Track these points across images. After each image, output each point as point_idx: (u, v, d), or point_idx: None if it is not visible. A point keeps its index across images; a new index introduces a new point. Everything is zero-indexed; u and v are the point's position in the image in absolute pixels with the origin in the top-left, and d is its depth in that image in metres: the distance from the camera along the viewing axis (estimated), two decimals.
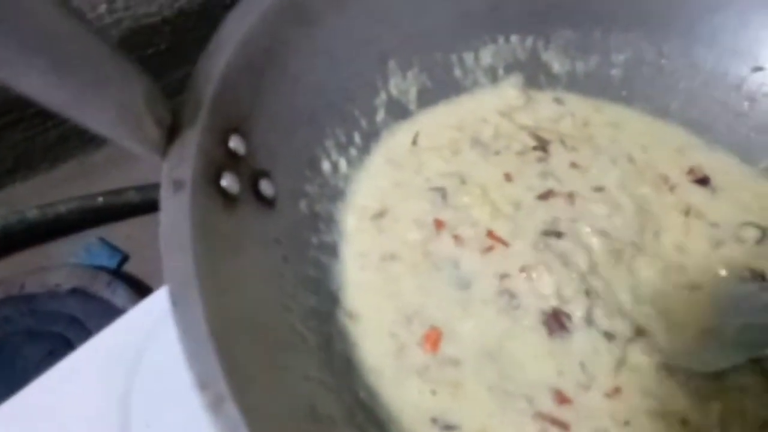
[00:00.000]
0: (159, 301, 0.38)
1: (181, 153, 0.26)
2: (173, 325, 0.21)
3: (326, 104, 0.37)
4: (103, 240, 0.51)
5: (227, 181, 0.27)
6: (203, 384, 0.20)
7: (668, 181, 0.38)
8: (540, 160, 0.39)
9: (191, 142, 0.26)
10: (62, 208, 0.49)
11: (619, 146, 0.40)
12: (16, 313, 0.44)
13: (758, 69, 0.44)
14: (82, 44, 0.21)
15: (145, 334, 0.36)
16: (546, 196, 0.37)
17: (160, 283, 0.40)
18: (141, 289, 0.47)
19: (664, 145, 0.41)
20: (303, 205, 0.33)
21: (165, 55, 0.57)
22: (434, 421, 0.29)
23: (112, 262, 0.49)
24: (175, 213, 0.24)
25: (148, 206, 0.52)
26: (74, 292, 0.45)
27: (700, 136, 0.42)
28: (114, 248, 0.51)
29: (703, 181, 0.39)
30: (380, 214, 0.35)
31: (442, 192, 0.36)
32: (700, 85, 0.44)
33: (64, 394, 0.34)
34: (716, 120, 0.44)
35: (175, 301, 0.22)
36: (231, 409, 0.20)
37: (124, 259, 0.50)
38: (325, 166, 0.36)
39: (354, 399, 0.28)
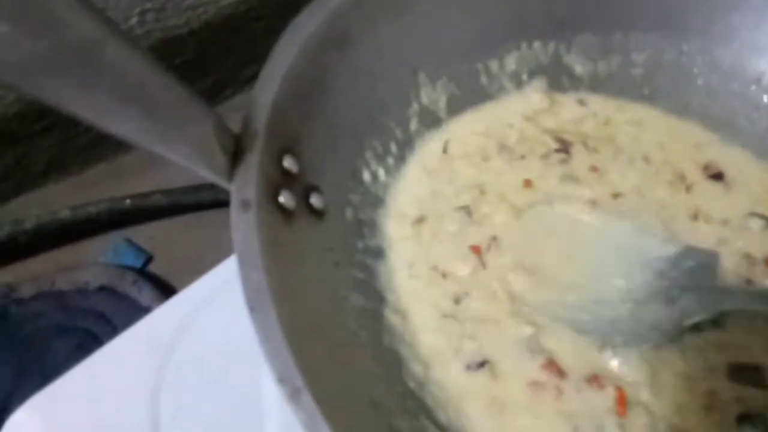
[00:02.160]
0: (185, 300, 0.41)
1: (245, 176, 0.29)
2: (252, 328, 0.25)
3: (365, 118, 0.40)
4: (129, 241, 0.54)
5: (284, 198, 0.31)
6: (282, 379, 0.24)
7: (685, 180, 0.40)
8: (562, 162, 0.42)
9: (253, 166, 0.29)
10: (92, 210, 0.52)
11: (639, 145, 0.42)
12: (47, 308, 0.47)
13: None
14: (166, 91, 0.24)
15: (174, 331, 0.38)
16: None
17: (183, 283, 0.42)
18: (165, 289, 0.50)
19: (682, 141, 0.43)
20: (349, 213, 0.37)
21: (192, 64, 0.60)
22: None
23: (137, 262, 0.52)
24: (245, 230, 0.27)
25: (174, 209, 0.55)
26: (102, 289, 0.48)
27: (718, 131, 0.44)
28: (140, 249, 0.53)
29: (717, 176, 0.41)
30: (419, 221, 0.38)
31: (467, 210, 0.39)
32: (720, 81, 0.46)
33: (95, 387, 0.36)
34: (736, 114, 0.45)
35: (253, 307, 0.25)
36: (307, 399, 0.23)
37: (149, 259, 0.53)
38: (366, 175, 0.39)
39: (404, 388, 0.32)
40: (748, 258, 0.37)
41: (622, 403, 0.31)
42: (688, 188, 0.40)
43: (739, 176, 0.41)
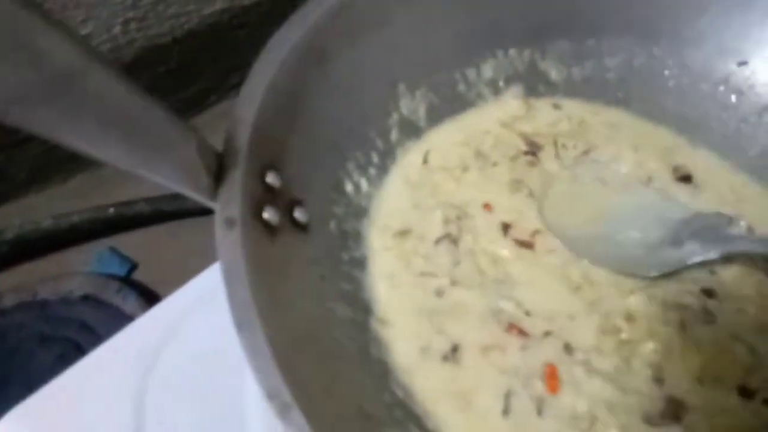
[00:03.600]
0: (170, 307, 0.41)
1: (228, 194, 0.29)
2: (239, 345, 0.25)
3: (346, 131, 0.41)
4: (113, 249, 0.54)
5: (268, 214, 0.31)
6: (271, 395, 0.24)
7: (652, 182, 0.42)
8: (531, 164, 0.43)
9: (236, 184, 0.30)
10: (75, 219, 0.52)
11: (612, 144, 0.44)
12: (29, 319, 0.46)
13: (743, 63, 0.47)
14: (149, 115, 0.24)
15: (157, 340, 0.38)
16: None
17: (167, 291, 0.42)
18: (149, 297, 0.50)
19: (654, 145, 0.44)
20: (333, 225, 0.37)
21: (176, 73, 0.60)
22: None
23: (122, 271, 0.52)
24: (230, 248, 0.27)
25: (157, 217, 0.55)
26: (86, 298, 0.48)
27: (689, 133, 0.45)
28: (124, 257, 0.53)
29: (686, 178, 0.42)
30: (402, 234, 0.39)
31: (450, 238, 0.39)
32: (690, 83, 0.47)
33: (79, 396, 0.36)
34: (707, 114, 0.47)
35: (240, 325, 0.25)
36: (297, 415, 0.24)
37: (134, 267, 0.53)
38: (349, 187, 0.40)
39: (392, 398, 0.32)
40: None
41: (554, 376, 0.33)
42: (658, 191, 0.42)
43: (707, 178, 0.42)
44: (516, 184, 0.43)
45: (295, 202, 0.34)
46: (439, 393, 0.32)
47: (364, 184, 0.41)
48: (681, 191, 0.42)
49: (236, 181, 0.30)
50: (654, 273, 0.37)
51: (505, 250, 0.38)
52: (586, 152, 0.44)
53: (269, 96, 0.34)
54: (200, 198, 0.28)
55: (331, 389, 0.29)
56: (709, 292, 0.37)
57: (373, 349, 0.34)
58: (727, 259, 0.38)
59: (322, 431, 0.24)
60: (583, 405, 0.32)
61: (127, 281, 0.52)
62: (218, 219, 0.28)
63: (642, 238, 0.39)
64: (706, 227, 0.38)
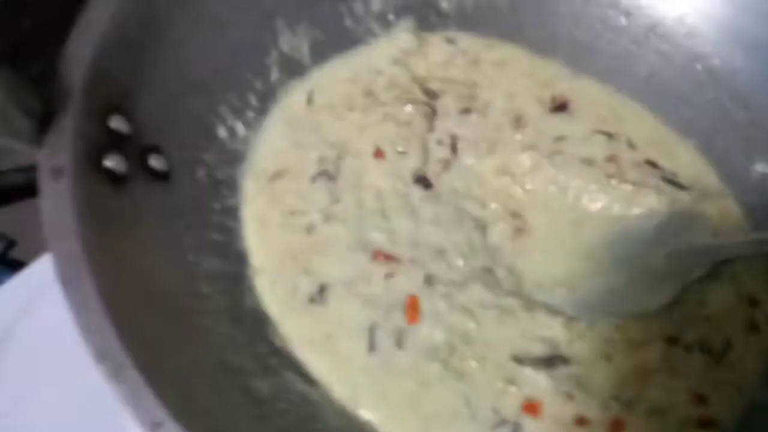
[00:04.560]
0: (25, 282, 0.38)
1: (57, 141, 0.26)
2: (66, 303, 0.23)
3: (216, 70, 0.37)
4: None
5: (112, 162, 0.28)
6: (101, 356, 0.22)
7: (521, 121, 0.41)
8: (426, 116, 0.41)
9: (67, 129, 0.27)
10: None
11: (491, 91, 0.42)
12: None
13: None
14: None
15: (13, 313, 0.36)
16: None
17: None
18: None
19: (533, 81, 0.43)
20: (201, 173, 0.34)
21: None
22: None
23: None
24: (56, 200, 0.25)
25: (34, 189, 0.50)
26: None
27: (579, 61, 0.44)
28: None
29: (562, 107, 0.42)
30: (278, 175, 0.36)
31: (328, 175, 0.37)
32: (581, 7, 0.46)
33: None
34: (598, 38, 0.46)
35: (65, 281, 0.23)
36: (131, 374, 0.22)
37: (11, 244, 0.49)
38: (222, 132, 0.37)
39: (268, 347, 0.31)
40: (588, 162, 0.39)
41: (414, 307, 0.33)
42: (523, 128, 0.40)
43: (586, 103, 0.42)
44: (407, 126, 0.41)
45: (150, 149, 0.31)
46: (305, 339, 0.31)
47: (240, 128, 0.38)
48: (555, 120, 0.41)
49: (67, 126, 0.27)
50: (652, 308, 0.34)
51: (387, 183, 0.36)
52: (471, 96, 0.42)
53: (113, 28, 0.30)
54: (19, 144, 0.25)
55: (187, 345, 0.27)
56: None
57: (248, 300, 0.32)
58: None
59: (168, 389, 0.23)
60: (441, 336, 0.32)
61: (3, 260, 0.47)
62: (42, 169, 0.25)
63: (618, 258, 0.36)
64: (681, 233, 0.36)
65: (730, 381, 0.33)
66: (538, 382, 0.32)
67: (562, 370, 0.32)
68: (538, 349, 0.32)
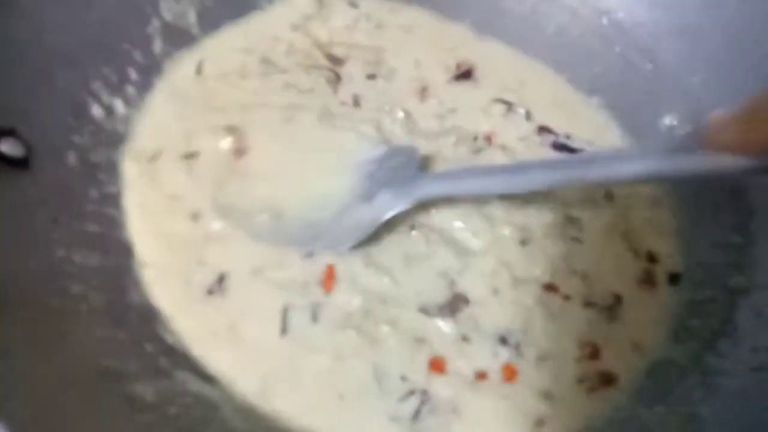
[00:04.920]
0: None
1: None
2: None
3: (85, 41, 0.33)
4: None
5: None
6: None
7: (426, 91, 0.39)
8: (330, 81, 0.39)
9: None
10: None
11: (399, 59, 0.41)
12: None
13: None
14: None
15: None
16: None
17: None
18: None
19: (439, 46, 0.42)
20: (72, 158, 0.31)
21: None
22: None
23: None
24: None
25: None
26: None
27: (485, 23, 0.43)
28: None
29: (466, 74, 0.41)
30: (157, 155, 0.33)
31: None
32: None
33: None
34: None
35: None
36: None
37: None
38: (96, 111, 0.33)
39: (158, 346, 0.28)
40: (475, 138, 0.38)
41: (331, 276, 0.31)
42: (425, 97, 0.39)
43: (490, 69, 0.41)
44: (309, 93, 0.38)
45: (1, 133, 0.27)
46: (204, 333, 0.28)
47: (119, 105, 0.34)
48: (457, 89, 0.40)
49: None
50: (347, 246, 0.32)
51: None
52: (377, 62, 0.40)
53: None
54: None
55: (52, 354, 0.23)
56: None
57: (133, 296, 0.29)
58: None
59: (25, 405, 0.20)
60: (357, 300, 0.31)
61: None
62: None
63: (334, 191, 0.34)
64: (399, 168, 0.34)
65: (625, 337, 0.33)
66: (443, 330, 0.31)
67: (465, 312, 0.32)
68: (441, 295, 0.32)
